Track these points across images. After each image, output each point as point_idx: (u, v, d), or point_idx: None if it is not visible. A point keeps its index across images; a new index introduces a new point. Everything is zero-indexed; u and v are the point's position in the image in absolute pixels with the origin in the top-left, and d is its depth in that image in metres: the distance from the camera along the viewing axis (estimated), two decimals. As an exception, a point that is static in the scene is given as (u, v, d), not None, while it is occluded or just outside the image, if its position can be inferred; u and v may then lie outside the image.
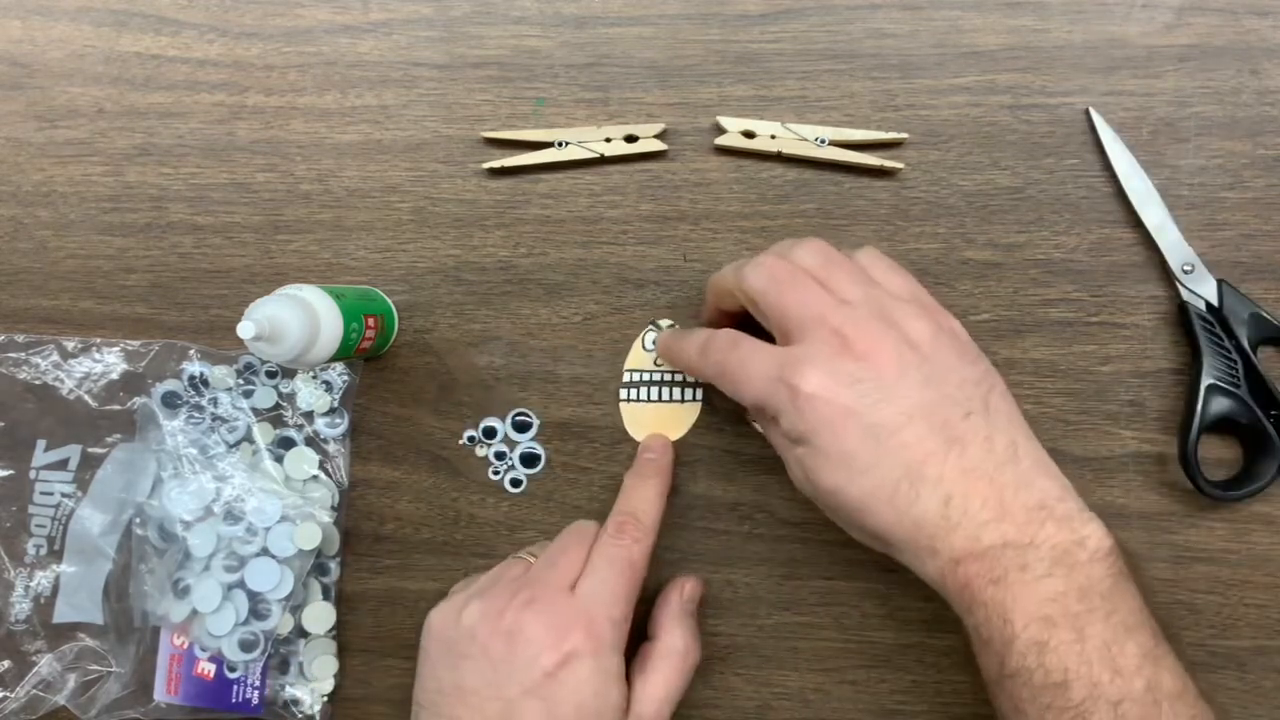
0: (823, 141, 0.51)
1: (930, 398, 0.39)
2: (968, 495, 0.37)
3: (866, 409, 0.38)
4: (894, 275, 0.43)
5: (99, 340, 0.53)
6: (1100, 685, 0.35)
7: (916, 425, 0.38)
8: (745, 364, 0.41)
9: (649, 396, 0.51)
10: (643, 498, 0.47)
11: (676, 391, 0.51)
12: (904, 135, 0.51)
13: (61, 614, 0.52)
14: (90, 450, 0.53)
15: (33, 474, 0.53)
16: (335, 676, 0.51)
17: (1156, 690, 0.36)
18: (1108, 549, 0.37)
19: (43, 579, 0.53)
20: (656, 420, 0.51)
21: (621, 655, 0.43)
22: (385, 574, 0.52)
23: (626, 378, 0.52)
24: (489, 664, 0.41)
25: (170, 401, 0.52)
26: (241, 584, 0.49)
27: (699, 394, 0.51)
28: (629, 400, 0.51)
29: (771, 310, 0.41)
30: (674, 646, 0.45)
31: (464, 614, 0.43)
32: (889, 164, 0.50)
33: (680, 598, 0.47)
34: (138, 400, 0.53)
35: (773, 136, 0.51)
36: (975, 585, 0.37)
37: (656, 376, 0.51)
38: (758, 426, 0.46)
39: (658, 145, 0.51)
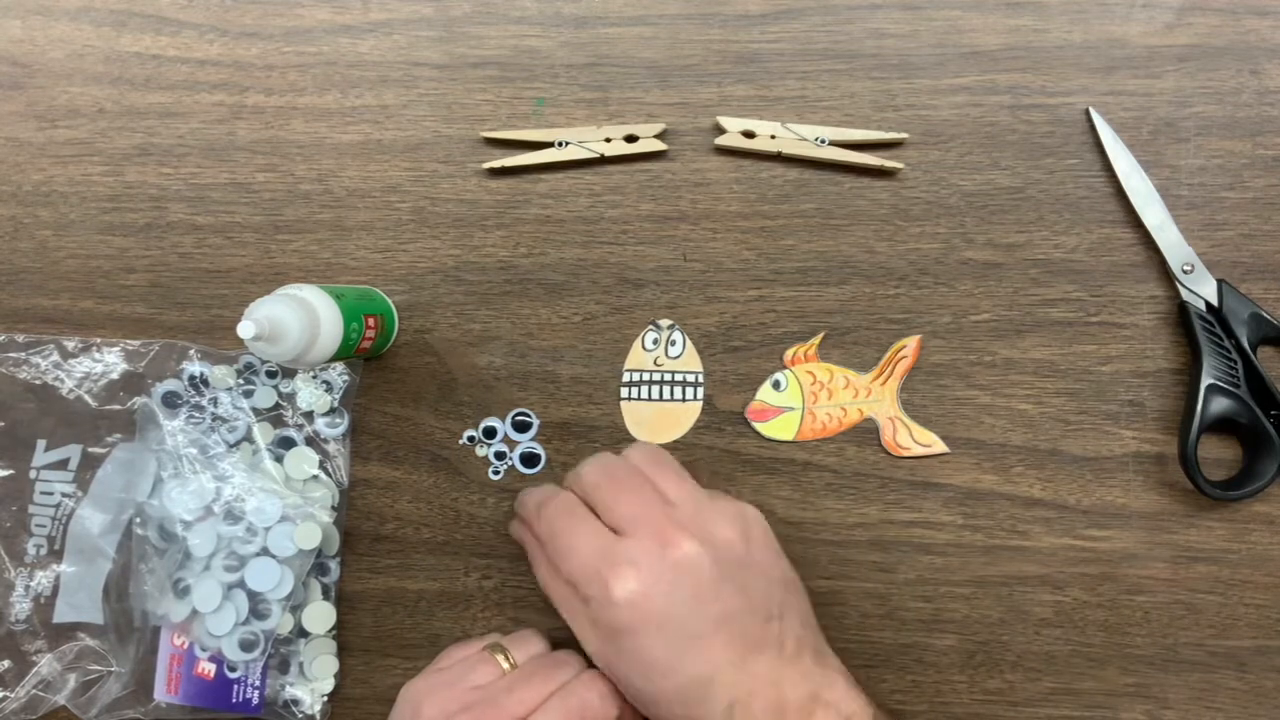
0: (823, 141, 0.51)
1: (739, 606, 0.41)
2: (751, 700, 0.40)
3: (677, 618, 0.40)
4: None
5: (99, 340, 0.53)
6: None
7: (721, 635, 0.40)
8: (573, 536, 0.43)
9: (649, 396, 0.51)
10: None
11: (677, 391, 0.51)
12: (904, 135, 0.51)
13: (61, 614, 0.52)
14: (90, 450, 0.53)
15: (33, 474, 0.53)
16: (335, 676, 0.51)
17: None
18: (870, 718, 0.41)
19: (43, 579, 0.53)
20: (657, 419, 0.51)
21: None
22: (385, 574, 0.52)
23: (626, 377, 0.52)
24: None
25: (170, 401, 0.52)
26: (241, 584, 0.49)
27: (699, 394, 0.51)
28: (630, 400, 0.52)
29: (604, 504, 0.43)
30: None
31: (422, 708, 0.43)
32: (889, 164, 0.50)
33: None
34: (138, 400, 0.53)
35: (773, 136, 0.51)
36: None
37: (657, 376, 0.51)
38: (551, 597, 0.45)
39: (658, 145, 0.51)
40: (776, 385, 0.51)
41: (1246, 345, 0.48)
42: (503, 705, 0.42)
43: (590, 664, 0.44)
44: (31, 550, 0.53)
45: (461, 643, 0.49)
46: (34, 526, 0.53)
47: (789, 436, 0.51)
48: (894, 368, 0.50)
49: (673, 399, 0.51)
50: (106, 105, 0.54)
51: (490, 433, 0.52)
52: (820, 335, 0.51)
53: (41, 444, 0.53)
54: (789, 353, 0.51)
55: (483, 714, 0.42)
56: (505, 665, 0.45)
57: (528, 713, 0.42)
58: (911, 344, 0.50)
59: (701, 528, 0.42)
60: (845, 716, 0.40)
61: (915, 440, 0.50)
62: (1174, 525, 0.50)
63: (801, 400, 0.51)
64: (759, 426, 0.51)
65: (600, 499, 0.44)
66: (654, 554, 0.41)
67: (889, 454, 0.50)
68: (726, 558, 0.42)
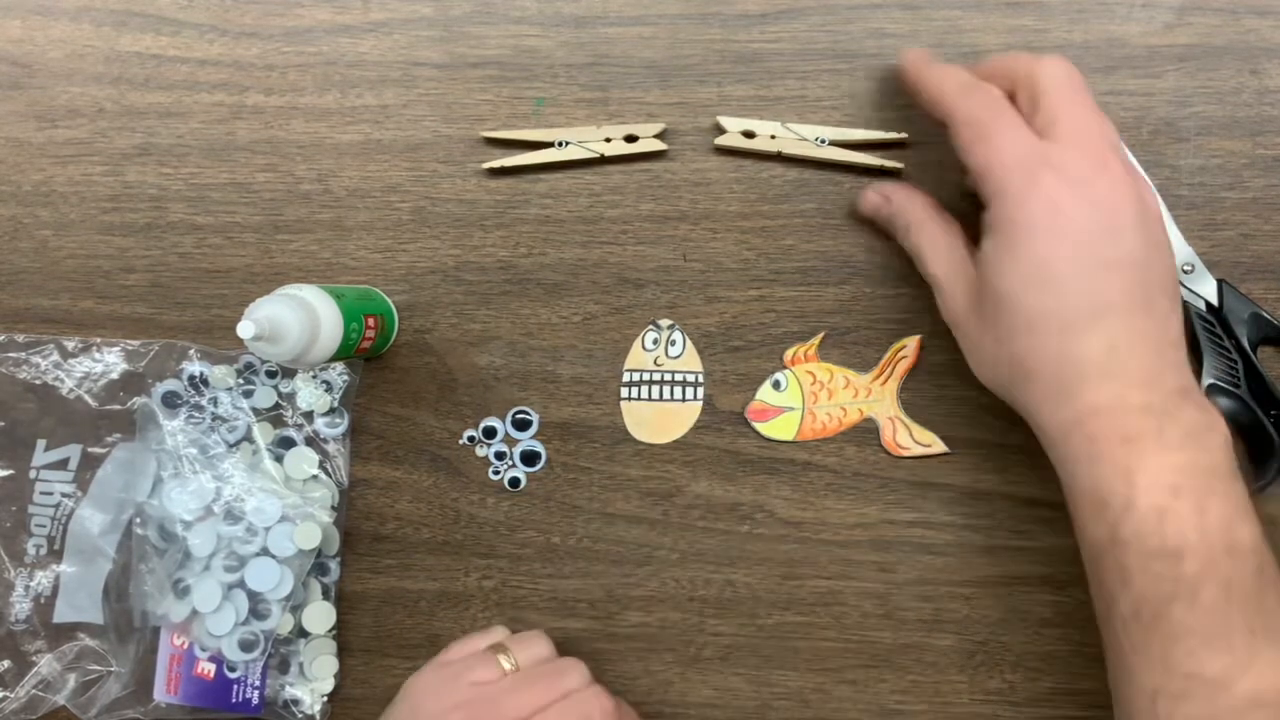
0: (823, 141, 0.51)
1: (1149, 258, 0.39)
2: (1132, 353, 0.38)
3: (1091, 237, 0.38)
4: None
5: (99, 340, 0.53)
6: (1216, 562, 0.36)
7: (1125, 274, 0.38)
8: (1001, 129, 0.40)
9: (649, 396, 0.51)
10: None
11: (677, 391, 0.51)
12: (904, 135, 0.51)
13: (61, 614, 0.52)
14: (90, 450, 0.53)
15: (33, 474, 0.53)
16: (335, 676, 0.51)
17: (1264, 576, 0.36)
18: (1230, 443, 0.38)
19: (43, 579, 0.53)
20: (657, 419, 0.51)
21: None
22: (385, 574, 0.52)
23: (626, 377, 0.52)
24: None
25: (170, 401, 0.52)
26: (241, 584, 0.49)
27: (699, 394, 0.51)
28: (630, 400, 0.52)
29: (1057, 104, 0.40)
30: None
31: (422, 701, 0.43)
32: (889, 164, 0.50)
33: None
34: (138, 400, 0.53)
35: (773, 136, 0.51)
36: (1105, 440, 0.38)
37: (657, 376, 0.51)
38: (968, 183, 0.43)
39: (658, 145, 0.51)
40: (776, 385, 0.51)
41: (1246, 345, 0.48)
42: (501, 705, 0.42)
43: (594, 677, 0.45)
44: (31, 550, 0.53)
45: (467, 637, 0.49)
46: (34, 526, 0.53)
47: (789, 436, 0.51)
48: (894, 368, 0.50)
49: (673, 399, 0.51)
50: (106, 105, 0.54)
51: (490, 433, 0.52)
52: (820, 335, 0.51)
53: (41, 444, 0.53)
54: (789, 353, 0.51)
55: (480, 712, 0.42)
56: (506, 665, 0.45)
57: (527, 716, 0.42)
58: (911, 344, 0.50)
59: (1136, 178, 0.40)
60: (1212, 423, 0.38)
61: (915, 440, 0.50)
62: (1174, 525, 0.50)
63: (801, 400, 0.51)
64: (759, 426, 0.51)
65: (1055, 98, 0.40)
66: (1085, 169, 0.39)
67: (889, 454, 0.50)
68: (1145, 212, 0.40)
